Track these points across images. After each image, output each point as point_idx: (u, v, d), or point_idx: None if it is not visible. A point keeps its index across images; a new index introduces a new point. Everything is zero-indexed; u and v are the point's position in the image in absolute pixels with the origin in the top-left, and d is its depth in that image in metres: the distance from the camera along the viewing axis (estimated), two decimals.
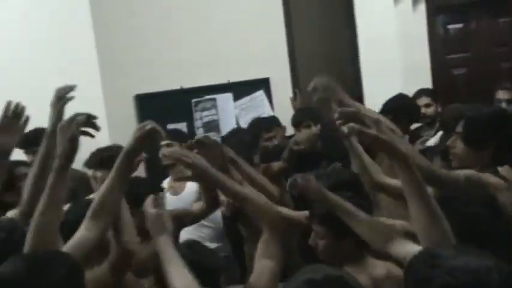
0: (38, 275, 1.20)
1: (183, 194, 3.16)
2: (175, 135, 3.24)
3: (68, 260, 1.29)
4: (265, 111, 3.90)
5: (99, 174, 3.08)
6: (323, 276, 1.12)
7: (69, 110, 3.81)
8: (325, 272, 1.15)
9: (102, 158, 3.18)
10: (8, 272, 1.20)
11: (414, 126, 3.34)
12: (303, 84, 4.19)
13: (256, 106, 3.91)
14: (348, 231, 1.65)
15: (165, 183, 3.16)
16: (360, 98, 4.31)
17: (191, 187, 3.15)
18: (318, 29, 4.36)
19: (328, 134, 3.47)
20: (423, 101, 3.44)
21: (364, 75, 4.27)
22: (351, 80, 4.35)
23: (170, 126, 3.68)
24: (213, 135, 3.79)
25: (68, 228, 1.62)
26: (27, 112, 3.63)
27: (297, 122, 3.41)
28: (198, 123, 3.79)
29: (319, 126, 3.40)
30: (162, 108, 3.66)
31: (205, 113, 3.82)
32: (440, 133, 3.08)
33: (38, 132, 3.34)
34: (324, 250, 1.73)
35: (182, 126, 3.69)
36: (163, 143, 3.12)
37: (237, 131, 3.50)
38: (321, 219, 1.72)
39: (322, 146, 3.41)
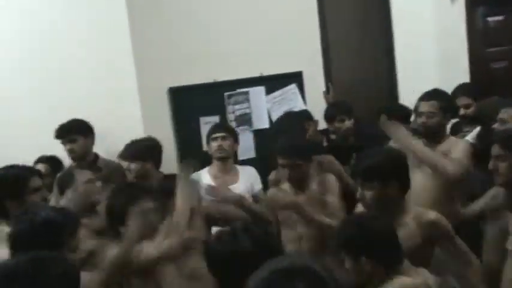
0: (36, 270, 1.29)
1: (237, 185, 3.21)
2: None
3: (66, 263, 1.39)
4: (298, 105, 3.88)
5: (133, 166, 3.14)
6: (288, 264, 1.07)
7: (106, 101, 3.89)
8: (291, 260, 1.10)
9: (137, 150, 3.24)
10: (13, 264, 1.33)
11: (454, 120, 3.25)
12: (336, 78, 4.16)
13: (288, 100, 3.89)
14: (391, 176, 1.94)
15: (205, 172, 3.22)
16: (394, 92, 4.25)
17: (245, 178, 3.22)
18: (352, 23, 4.30)
19: (360, 128, 3.45)
20: (462, 101, 3.29)
21: (399, 69, 4.20)
22: (386, 74, 4.28)
23: (203, 119, 3.72)
24: (245, 129, 3.81)
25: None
26: (66, 104, 3.74)
27: (330, 116, 3.40)
28: (230, 116, 3.80)
29: (352, 120, 3.38)
30: (195, 101, 3.69)
31: (238, 106, 3.82)
32: (478, 129, 2.99)
33: (74, 122, 3.44)
34: (371, 201, 1.95)
35: (215, 119, 3.71)
36: (217, 135, 3.19)
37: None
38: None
39: (355, 139, 3.38)
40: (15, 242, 1.76)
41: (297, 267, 1.06)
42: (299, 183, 2.68)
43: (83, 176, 2.80)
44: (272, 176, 3.09)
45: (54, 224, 1.72)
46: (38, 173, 2.53)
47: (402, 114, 3.23)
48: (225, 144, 3.22)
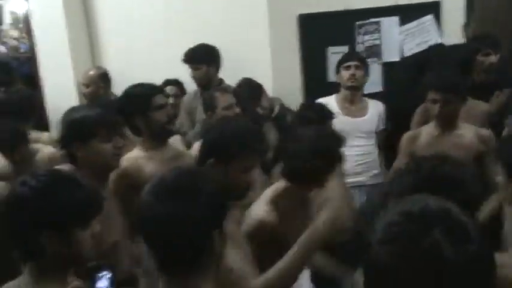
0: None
1: (366, 118, 3.17)
2: None
3: None
4: (433, 38, 3.62)
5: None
6: (421, 208, 0.89)
7: (237, 27, 3.94)
8: (424, 202, 0.91)
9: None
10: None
11: None
12: (478, 10, 3.78)
13: (423, 32, 3.63)
14: None
15: (332, 99, 3.18)
16: None
17: (374, 112, 3.16)
18: None
19: (503, 64, 3.16)
20: None
21: None
22: None
23: (331, 49, 3.62)
24: (374, 61, 3.66)
25: None
26: (196, 28, 3.84)
27: (475, 50, 3.13)
28: (359, 47, 3.65)
29: (498, 56, 3.10)
30: (324, 29, 3.59)
31: (368, 36, 3.66)
32: None
33: (200, 49, 3.54)
34: None
35: (343, 49, 3.59)
36: (351, 63, 3.14)
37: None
38: None
39: (497, 77, 3.12)
40: None
41: (433, 211, 0.89)
42: (448, 123, 2.55)
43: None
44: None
45: None
46: (163, 91, 2.57)
47: None
48: (358, 74, 3.17)
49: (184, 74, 3.65)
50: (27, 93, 3.46)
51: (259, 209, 1.84)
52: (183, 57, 3.49)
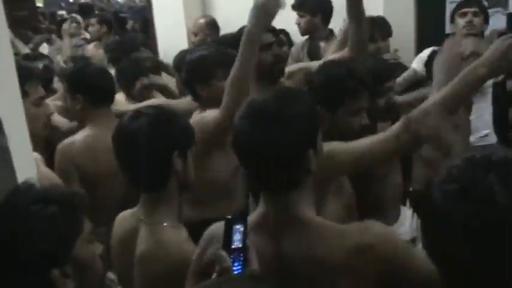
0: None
1: None
2: None
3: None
4: None
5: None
6: (485, 155, 0.93)
7: None
8: (492, 151, 0.94)
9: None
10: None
11: None
12: None
13: None
14: None
15: None
16: None
17: None
18: None
19: None
20: None
21: None
22: None
23: None
24: (497, 12, 3.37)
25: None
26: None
27: None
28: None
29: None
30: None
31: None
32: None
33: None
34: None
35: None
36: (468, 9, 2.89)
37: None
38: None
39: None
40: None
41: (496, 159, 0.92)
42: None
43: None
44: None
45: None
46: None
47: None
48: (476, 21, 2.91)
49: (292, 25, 3.62)
50: None
51: None
52: (292, 4, 3.46)
